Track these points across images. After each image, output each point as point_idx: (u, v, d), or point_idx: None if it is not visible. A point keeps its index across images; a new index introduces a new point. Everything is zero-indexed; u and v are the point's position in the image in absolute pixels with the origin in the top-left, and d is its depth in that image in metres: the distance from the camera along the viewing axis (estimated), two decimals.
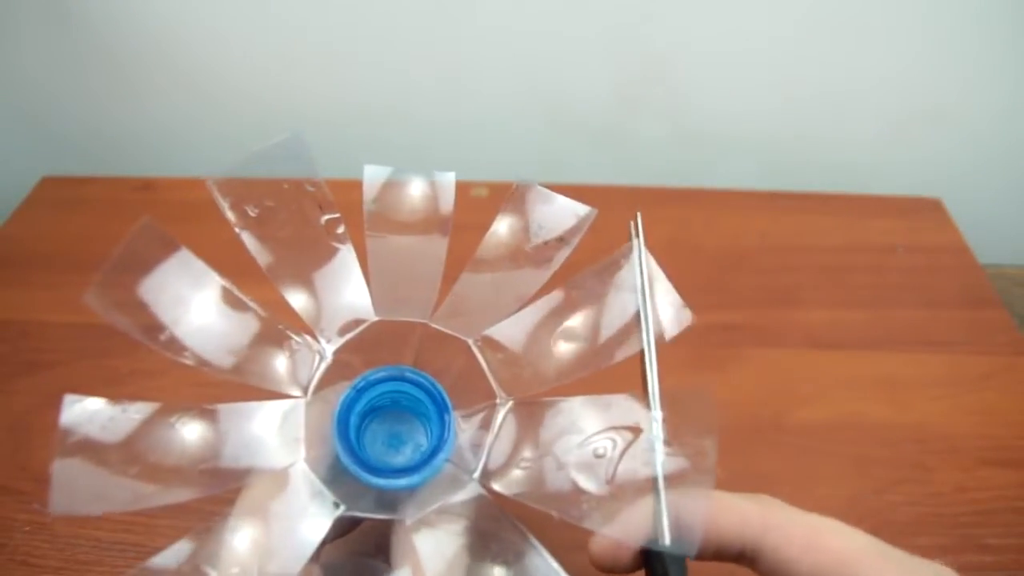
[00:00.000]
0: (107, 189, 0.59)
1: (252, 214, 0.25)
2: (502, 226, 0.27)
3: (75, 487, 0.20)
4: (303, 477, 0.22)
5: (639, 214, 0.26)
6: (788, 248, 0.54)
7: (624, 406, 0.23)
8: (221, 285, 0.24)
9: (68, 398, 0.20)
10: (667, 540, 0.21)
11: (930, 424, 0.43)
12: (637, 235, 0.26)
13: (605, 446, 0.22)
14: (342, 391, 0.23)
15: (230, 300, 0.24)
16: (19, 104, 0.64)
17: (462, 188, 0.29)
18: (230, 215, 0.25)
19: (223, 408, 0.23)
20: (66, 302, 0.47)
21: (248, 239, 0.25)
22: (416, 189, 0.28)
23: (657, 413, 0.23)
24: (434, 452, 0.22)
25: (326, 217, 0.27)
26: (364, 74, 0.61)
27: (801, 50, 0.57)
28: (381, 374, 0.23)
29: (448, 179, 0.28)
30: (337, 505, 0.22)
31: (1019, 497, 0.40)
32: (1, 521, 0.38)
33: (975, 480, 0.41)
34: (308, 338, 0.25)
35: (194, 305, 0.23)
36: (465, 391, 0.25)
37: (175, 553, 0.20)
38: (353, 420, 0.23)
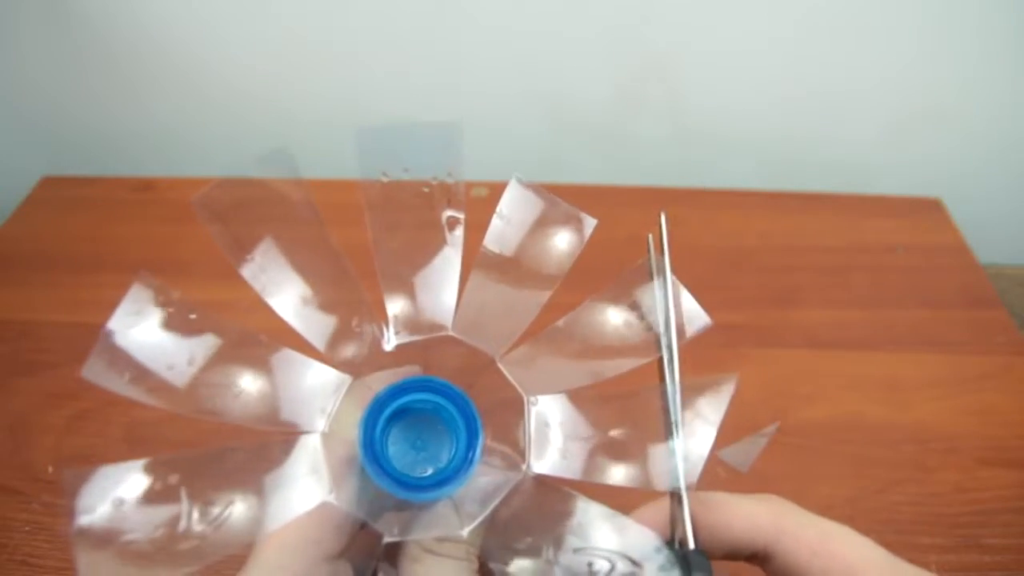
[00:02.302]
0: (107, 189, 0.59)
1: (384, 179, 0.25)
2: (617, 317, 0.26)
3: (112, 364, 0.20)
4: (310, 449, 0.22)
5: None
6: (788, 248, 0.54)
7: (641, 539, 0.22)
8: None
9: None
10: (692, 543, 0.22)
11: (930, 424, 0.43)
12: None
13: (602, 566, 0.21)
14: (385, 380, 0.23)
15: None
16: (19, 104, 0.64)
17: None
18: (361, 174, 0.24)
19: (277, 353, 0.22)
20: (66, 302, 0.47)
21: (369, 202, 0.24)
22: (562, 240, 0.26)
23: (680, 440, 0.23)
24: (441, 483, 0.21)
25: (449, 213, 0.25)
26: (364, 74, 0.60)
27: (801, 50, 0.57)
28: (435, 383, 0.22)
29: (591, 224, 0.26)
30: (330, 492, 0.21)
31: (1019, 497, 0.40)
32: (1, 521, 0.38)
33: (975, 480, 0.41)
34: (380, 323, 0.24)
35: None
36: (500, 441, 0.24)
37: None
38: (385, 412, 0.22)
